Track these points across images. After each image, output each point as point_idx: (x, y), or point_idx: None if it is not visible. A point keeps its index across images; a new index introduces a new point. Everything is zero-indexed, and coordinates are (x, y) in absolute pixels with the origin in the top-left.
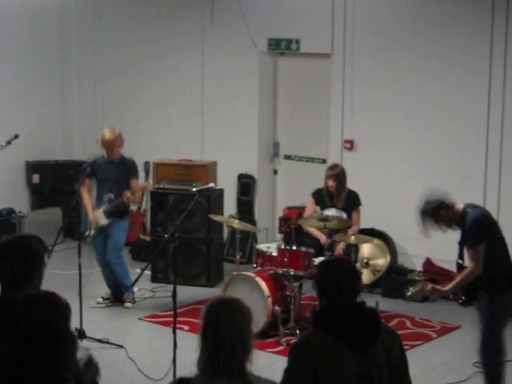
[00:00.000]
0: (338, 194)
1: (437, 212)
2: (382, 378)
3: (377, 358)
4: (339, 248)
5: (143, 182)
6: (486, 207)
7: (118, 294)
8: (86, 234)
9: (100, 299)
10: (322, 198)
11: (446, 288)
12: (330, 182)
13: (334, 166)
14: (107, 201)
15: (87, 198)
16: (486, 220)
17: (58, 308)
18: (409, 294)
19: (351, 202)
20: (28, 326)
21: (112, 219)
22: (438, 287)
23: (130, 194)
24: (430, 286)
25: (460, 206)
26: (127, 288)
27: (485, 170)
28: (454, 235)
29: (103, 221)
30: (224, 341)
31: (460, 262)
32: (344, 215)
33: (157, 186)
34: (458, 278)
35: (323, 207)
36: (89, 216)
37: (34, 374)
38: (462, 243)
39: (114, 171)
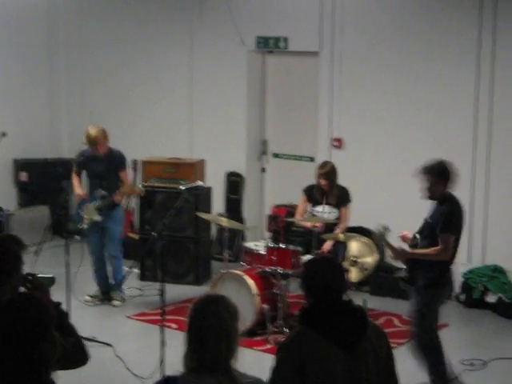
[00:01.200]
0: (330, 190)
1: (440, 175)
2: (369, 376)
3: (364, 355)
4: (327, 244)
5: (139, 187)
6: (473, 203)
7: (108, 292)
8: (79, 226)
9: (88, 297)
10: (314, 194)
11: (410, 250)
12: (322, 181)
13: (324, 165)
14: (99, 197)
15: (78, 187)
16: (458, 215)
17: (41, 311)
18: (376, 232)
19: (342, 198)
20: (8, 328)
21: (104, 214)
22: (399, 248)
23: (119, 196)
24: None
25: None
26: (118, 281)
27: (472, 167)
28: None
29: (96, 217)
30: (209, 338)
31: (417, 236)
32: (335, 211)
33: (145, 184)
34: (425, 251)
35: (315, 204)
36: (84, 206)
37: (13, 375)
38: (430, 223)
39: (103, 166)
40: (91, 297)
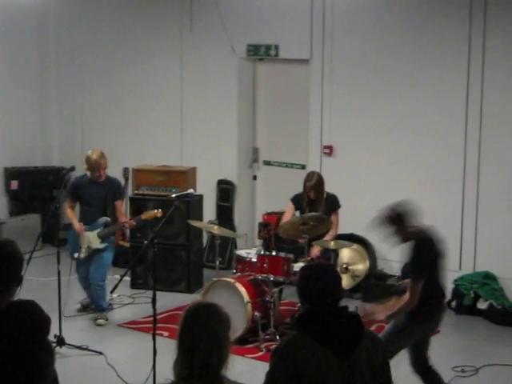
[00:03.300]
0: (318, 200)
1: (394, 221)
2: (364, 383)
3: (359, 362)
4: (315, 250)
5: (156, 211)
6: (464, 209)
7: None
8: (76, 256)
9: (80, 306)
10: (302, 203)
11: (384, 317)
12: (311, 193)
13: (312, 177)
14: (103, 224)
15: (74, 217)
16: (428, 250)
17: (38, 318)
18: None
19: (330, 205)
20: (6, 335)
21: (106, 243)
22: (371, 314)
23: (127, 219)
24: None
25: (415, 226)
26: (102, 308)
27: (463, 174)
28: None
29: (98, 244)
30: (200, 346)
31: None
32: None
33: (136, 191)
34: (394, 310)
35: (303, 213)
36: (81, 236)
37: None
38: (405, 267)
39: (101, 192)
40: (83, 305)
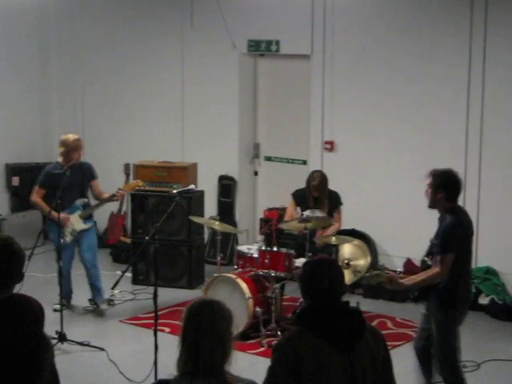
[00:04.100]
0: (322, 198)
1: (444, 185)
2: (366, 378)
3: (361, 358)
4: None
5: (136, 180)
6: (465, 205)
7: (70, 300)
8: (63, 241)
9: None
10: (305, 200)
11: (405, 282)
12: (316, 193)
13: (316, 177)
14: (81, 205)
15: (47, 207)
16: (461, 230)
17: (31, 311)
18: (367, 274)
19: (333, 202)
20: (1, 329)
21: (89, 222)
22: (396, 278)
23: (120, 194)
24: (390, 274)
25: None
26: (100, 289)
27: (464, 169)
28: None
29: (82, 225)
30: (203, 342)
31: (426, 259)
32: (324, 215)
33: (137, 188)
34: (420, 278)
35: (305, 208)
36: (63, 222)
37: (9, 379)
38: (434, 243)
39: (77, 176)
40: (90, 300)
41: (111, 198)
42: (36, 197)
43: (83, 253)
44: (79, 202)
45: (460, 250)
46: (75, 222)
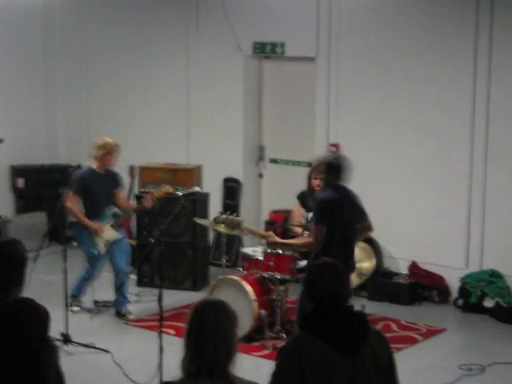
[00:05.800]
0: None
1: (328, 168)
2: (370, 381)
3: (365, 361)
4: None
5: (164, 186)
6: (471, 208)
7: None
8: (96, 253)
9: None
10: (306, 200)
11: (279, 240)
12: (314, 181)
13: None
14: (112, 215)
15: (83, 215)
16: (335, 205)
17: (36, 315)
18: (223, 216)
19: None
20: (7, 333)
21: (120, 231)
22: (272, 235)
23: (150, 202)
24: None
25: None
26: (127, 296)
27: (470, 171)
28: (441, 239)
29: (115, 235)
30: (208, 343)
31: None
32: None
33: (142, 189)
34: (295, 242)
35: (308, 210)
36: (97, 233)
37: (14, 380)
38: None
39: (107, 183)
40: (95, 302)
41: (142, 207)
42: (70, 203)
43: (118, 260)
44: (109, 211)
45: (331, 223)
46: (108, 232)
